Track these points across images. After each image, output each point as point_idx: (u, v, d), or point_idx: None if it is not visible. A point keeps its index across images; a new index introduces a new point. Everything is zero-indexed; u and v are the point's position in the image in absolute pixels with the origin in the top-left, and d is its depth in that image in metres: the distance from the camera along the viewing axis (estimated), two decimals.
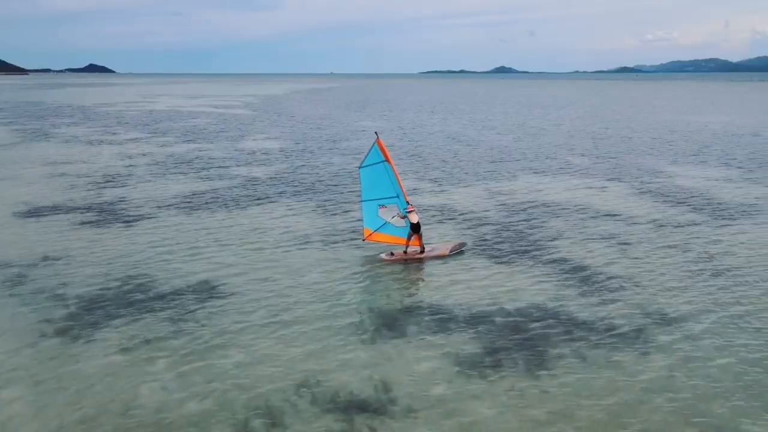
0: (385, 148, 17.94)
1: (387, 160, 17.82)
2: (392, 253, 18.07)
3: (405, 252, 17.95)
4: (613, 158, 38.01)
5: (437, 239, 19.54)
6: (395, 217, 18.10)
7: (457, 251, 18.26)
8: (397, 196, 18.04)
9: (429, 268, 17.25)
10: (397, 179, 17.93)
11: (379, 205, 18.31)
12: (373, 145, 17.97)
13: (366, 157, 18.30)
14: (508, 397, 10.41)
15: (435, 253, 18.03)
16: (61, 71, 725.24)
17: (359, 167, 18.59)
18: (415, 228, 17.69)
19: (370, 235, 18.73)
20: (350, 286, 15.61)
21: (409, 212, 17.59)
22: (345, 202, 25.04)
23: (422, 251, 18.00)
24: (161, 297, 14.74)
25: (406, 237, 17.92)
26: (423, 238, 18.16)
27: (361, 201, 18.72)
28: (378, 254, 18.17)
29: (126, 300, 14.57)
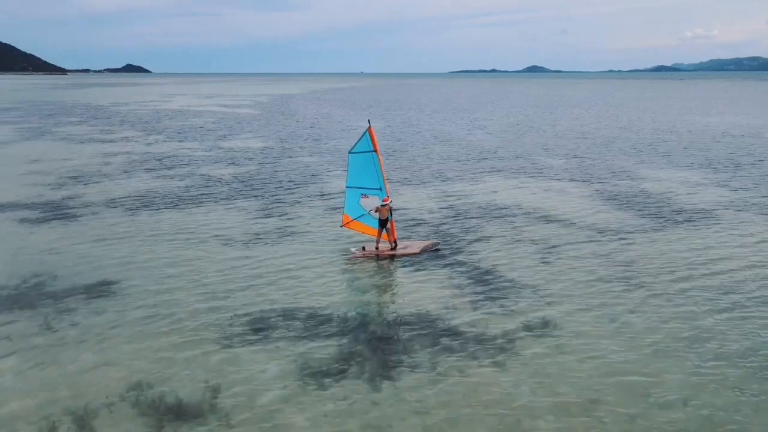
0: (375, 139, 17.85)
1: (375, 151, 17.76)
2: (364, 248, 18.03)
3: (376, 248, 17.92)
4: (587, 160, 36.94)
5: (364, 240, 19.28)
6: (371, 211, 18.06)
7: (431, 250, 18.09)
8: (380, 189, 17.96)
9: (371, 268, 17.08)
10: (382, 172, 17.88)
11: (362, 194, 18.31)
12: (365, 132, 17.87)
13: (357, 143, 18.23)
14: (334, 407, 10.08)
15: (407, 251, 17.90)
16: (99, 71, 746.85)
17: (349, 152, 18.56)
18: (381, 223, 17.72)
19: (349, 222, 18.78)
20: (250, 288, 15.30)
21: (382, 206, 17.53)
22: (290, 203, 24.92)
23: (394, 248, 17.90)
24: (51, 294, 14.82)
25: (379, 230, 17.96)
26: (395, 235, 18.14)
27: (346, 187, 18.73)
28: (348, 248, 18.34)
29: (14, 297, 14.69)
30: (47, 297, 14.71)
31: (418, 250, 17.95)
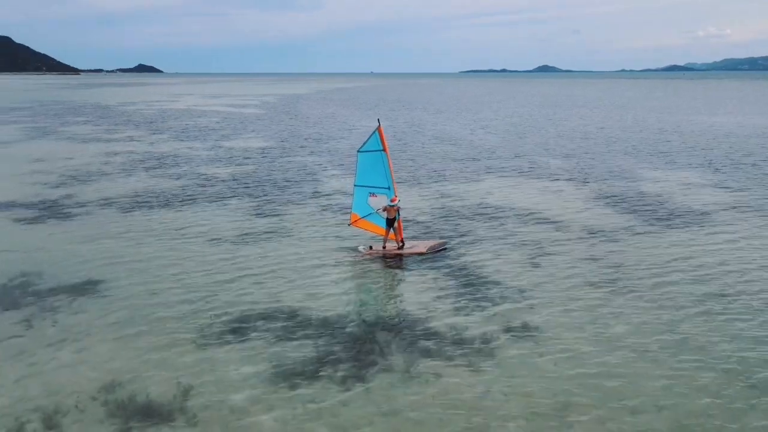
0: (384, 138, 17.97)
1: (384, 150, 17.90)
2: (371, 247, 18.16)
3: (384, 247, 18.02)
4: (587, 159, 36.67)
5: (358, 240, 19.26)
6: (379, 210, 18.18)
7: (438, 250, 18.12)
8: (388, 188, 18.08)
9: (361, 268, 17.07)
10: (391, 171, 17.97)
11: (370, 193, 18.45)
12: (374, 132, 18.03)
13: (366, 142, 18.41)
14: (302, 409, 10.01)
15: (413, 250, 17.97)
16: (112, 71, 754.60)
17: (358, 151, 18.74)
18: (388, 223, 17.83)
19: (357, 221, 18.95)
20: (234, 288, 15.31)
21: (390, 205, 17.62)
22: (283, 203, 24.91)
23: (401, 247, 17.99)
24: (35, 292, 14.93)
25: (386, 229, 18.07)
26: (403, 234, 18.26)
27: (354, 185, 18.88)
28: (356, 247, 18.47)
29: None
30: (30, 295, 14.82)
31: (425, 250, 17.97)
